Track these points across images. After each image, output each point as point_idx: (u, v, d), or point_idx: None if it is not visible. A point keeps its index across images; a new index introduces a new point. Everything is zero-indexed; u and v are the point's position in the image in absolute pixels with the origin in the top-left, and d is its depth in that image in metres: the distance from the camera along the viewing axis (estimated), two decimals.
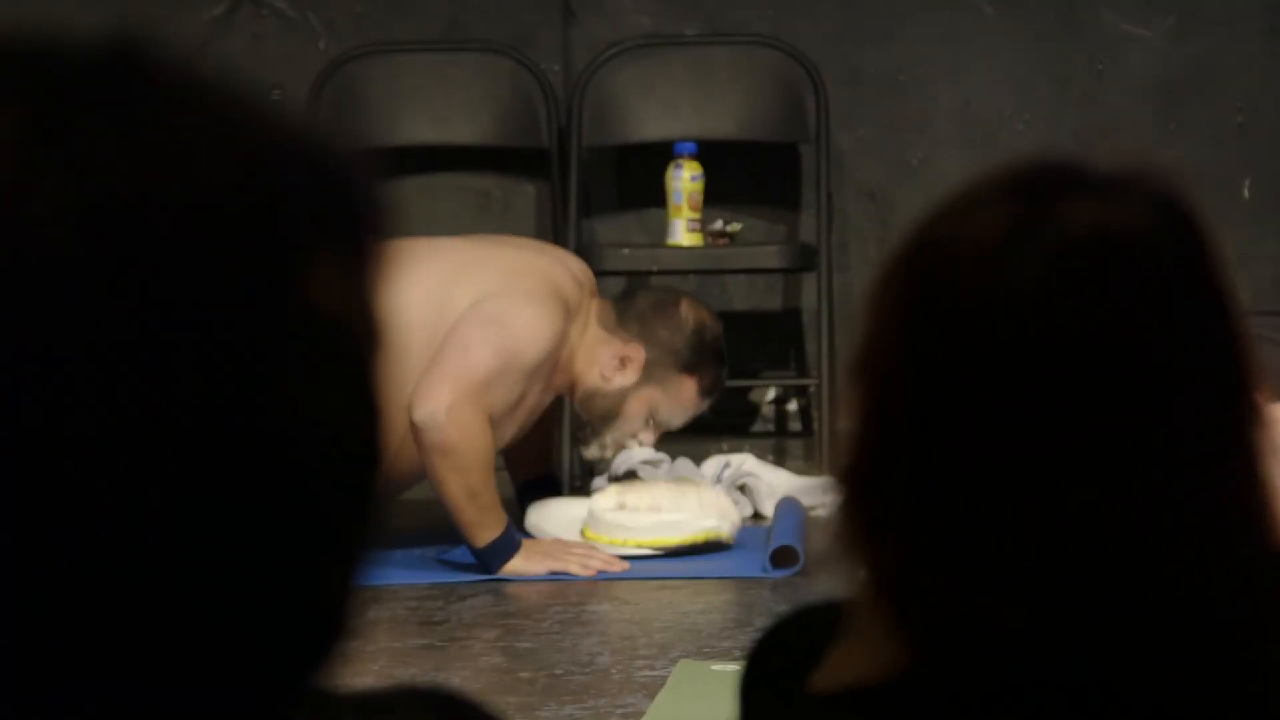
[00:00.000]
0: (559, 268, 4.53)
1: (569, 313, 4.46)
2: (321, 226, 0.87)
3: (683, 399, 4.60)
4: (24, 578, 0.81)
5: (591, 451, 4.69)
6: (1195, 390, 1.25)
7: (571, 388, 4.56)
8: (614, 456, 4.73)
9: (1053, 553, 1.18)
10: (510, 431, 4.50)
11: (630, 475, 4.74)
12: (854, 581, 1.26)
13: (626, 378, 4.47)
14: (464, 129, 5.60)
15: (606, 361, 4.46)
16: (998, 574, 1.19)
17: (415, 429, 4.20)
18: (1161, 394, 1.22)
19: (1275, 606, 1.26)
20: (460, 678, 3.47)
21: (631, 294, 4.79)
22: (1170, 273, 1.22)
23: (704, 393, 4.61)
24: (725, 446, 5.29)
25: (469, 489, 4.25)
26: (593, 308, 4.55)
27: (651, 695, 3.34)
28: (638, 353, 4.46)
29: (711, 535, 4.34)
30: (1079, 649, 1.19)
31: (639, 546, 4.36)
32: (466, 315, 4.33)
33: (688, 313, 4.58)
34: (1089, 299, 1.20)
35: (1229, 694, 1.23)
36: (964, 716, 1.19)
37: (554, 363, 4.47)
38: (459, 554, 4.33)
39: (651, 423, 4.59)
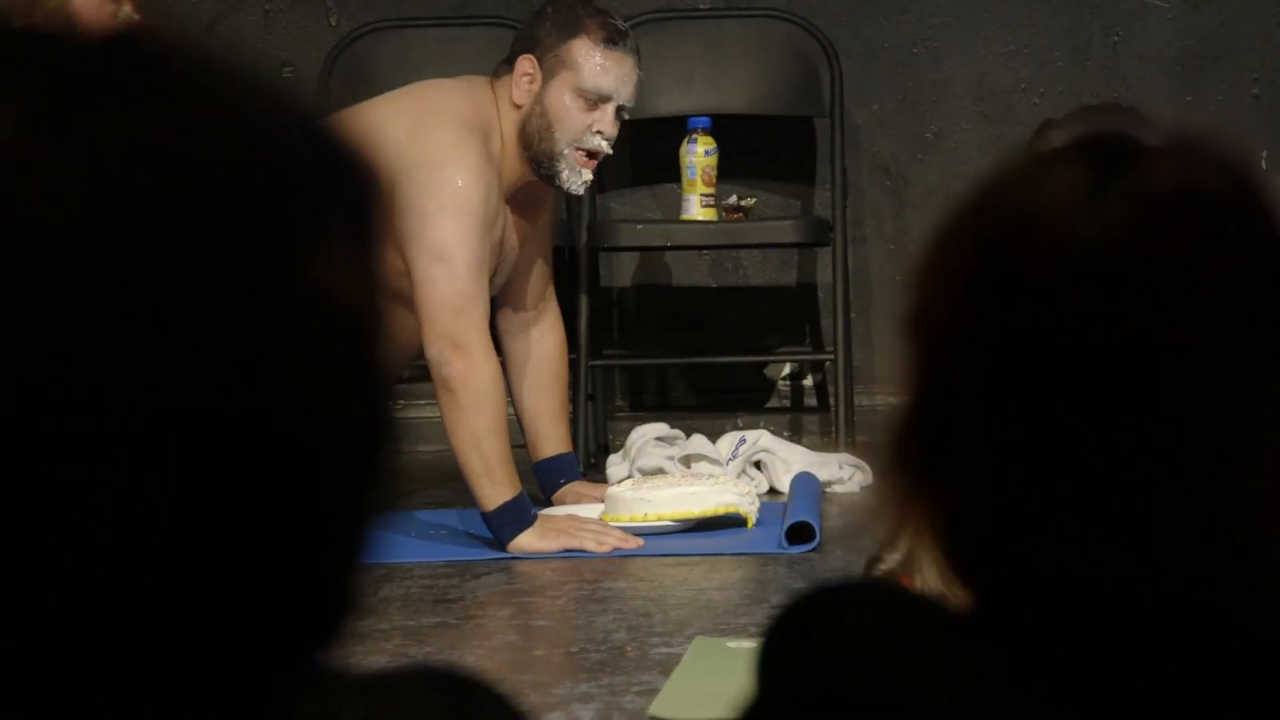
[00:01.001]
0: (456, 102, 4.53)
1: (485, 126, 4.48)
2: (327, 210, 0.87)
3: (589, 59, 4.53)
4: (35, 548, 0.81)
5: (568, 180, 4.58)
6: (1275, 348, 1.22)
7: (523, 152, 4.53)
8: (587, 179, 4.60)
9: (1135, 502, 1.17)
10: (510, 259, 4.58)
11: (658, 471, 4.74)
12: (908, 541, 1.32)
13: (534, 85, 4.45)
14: None
15: (514, 93, 4.47)
16: (1077, 524, 1.17)
17: (429, 364, 4.26)
18: (1246, 350, 1.20)
19: None
20: (475, 656, 3.50)
21: (512, 50, 4.70)
22: (1251, 230, 1.21)
23: (606, 40, 4.55)
24: (740, 422, 5.29)
25: (471, 435, 4.29)
26: (495, 91, 4.52)
27: (667, 672, 3.34)
28: (526, 62, 4.46)
29: (731, 510, 4.35)
30: (1153, 599, 1.17)
31: (659, 519, 4.37)
32: (411, 197, 4.36)
33: (546, 7, 4.58)
34: (1176, 251, 1.19)
35: None
36: (1037, 656, 1.18)
37: (506, 172, 4.48)
38: (473, 525, 4.32)
39: (584, 102, 4.51)
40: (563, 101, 4.37)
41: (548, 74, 4.36)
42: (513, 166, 4.41)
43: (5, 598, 0.83)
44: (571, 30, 4.40)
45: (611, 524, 4.29)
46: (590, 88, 4.35)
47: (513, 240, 4.54)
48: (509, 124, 4.42)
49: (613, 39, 4.43)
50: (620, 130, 4.53)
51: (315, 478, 0.88)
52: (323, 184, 0.89)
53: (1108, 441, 1.16)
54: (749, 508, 4.35)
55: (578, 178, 4.44)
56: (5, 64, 0.84)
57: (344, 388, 0.89)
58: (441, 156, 4.29)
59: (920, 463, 1.22)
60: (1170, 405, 1.17)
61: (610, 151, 4.49)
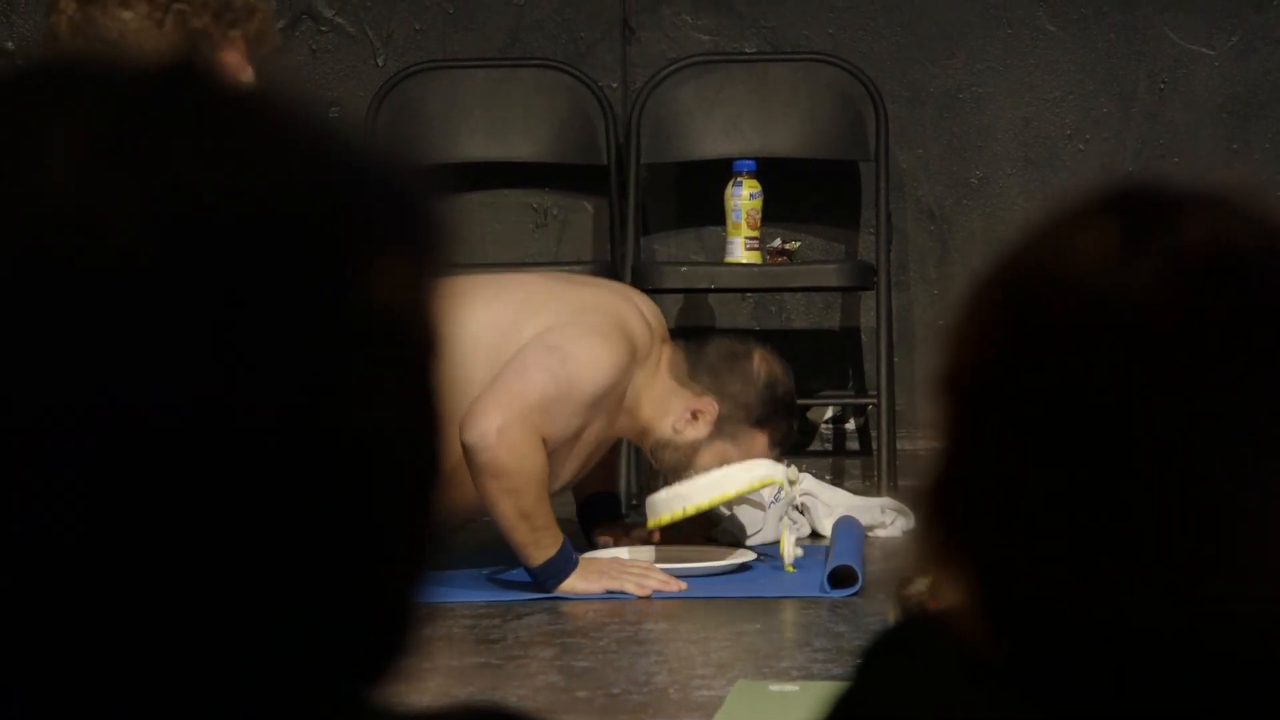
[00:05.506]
0: (629, 307, 4.54)
1: (635, 352, 4.47)
2: (379, 233, 0.87)
3: (754, 452, 4.58)
4: (91, 569, 0.82)
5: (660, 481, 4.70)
6: None
7: (641, 435, 4.58)
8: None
9: (1166, 559, 1.15)
10: (571, 469, 4.52)
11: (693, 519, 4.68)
12: (942, 592, 1.28)
13: (698, 431, 4.46)
14: (522, 145, 5.64)
15: (679, 414, 4.46)
16: (1107, 580, 1.15)
17: (466, 451, 4.20)
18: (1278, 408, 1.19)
19: None
20: (517, 696, 3.47)
21: (703, 343, 4.76)
22: None
23: (774, 445, 4.61)
24: (794, 469, 5.10)
25: (520, 510, 4.26)
26: (664, 353, 4.55)
27: (709, 715, 3.32)
28: (710, 406, 4.46)
29: (767, 480, 4.41)
30: (1182, 653, 1.16)
31: (698, 508, 4.41)
32: (529, 343, 4.34)
33: (760, 366, 4.59)
34: (1209, 305, 1.17)
35: None
36: (1068, 707, 1.17)
37: (617, 401, 4.48)
38: (516, 574, 4.33)
39: (715, 465, 4.55)
40: (712, 463, 4.44)
41: (717, 430, 4.43)
42: (623, 407, 4.47)
43: (63, 610, 0.82)
44: (762, 419, 4.51)
45: (655, 567, 4.31)
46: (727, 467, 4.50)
47: (590, 440, 4.54)
48: (649, 407, 4.50)
49: (782, 444, 4.58)
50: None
51: (371, 492, 0.87)
52: (376, 206, 0.89)
53: (1137, 499, 1.15)
54: (782, 475, 4.44)
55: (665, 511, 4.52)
56: (71, 91, 0.85)
57: (397, 405, 0.88)
58: (590, 333, 4.37)
59: (954, 516, 1.20)
60: (1200, 463, 1.16)
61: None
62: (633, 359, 4.46)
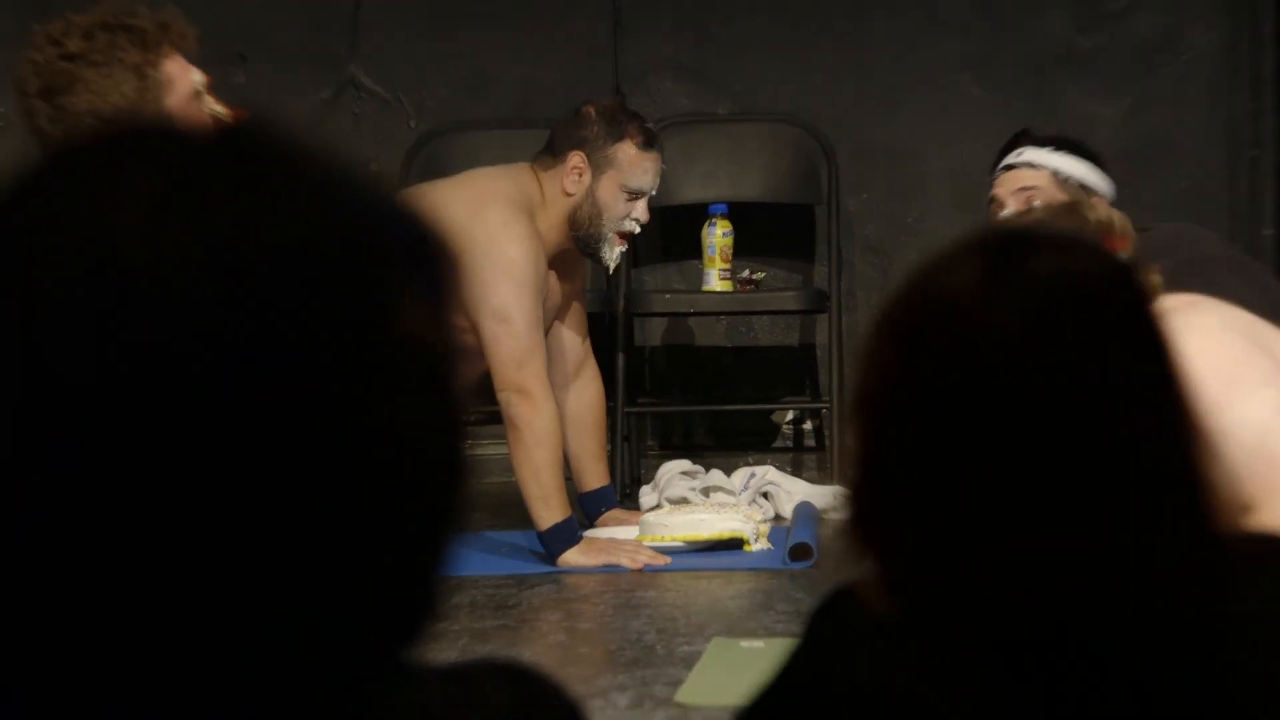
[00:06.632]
0: (509, 204, 4.68)
1: (527, 203, 4.66)
2: (404, 273, 0.90)
3: (633, 160, 4.72)
4: (172, 571, 0.85)
5: (606, 254, 4.79)
6: (1146, 404, 1.29)
7: (571, 231, 4.70)
8: (620, 255, 4.77)
9: (1035, 548, 1.24)
10: (552, 317, 4.77)
11: (682, 500, 4.97)
12: (863, 573, 1.33)
13: (584, 178, 4.62)
14: None
15: (564, 184, 4.62)
16: (989, 565, 1.25)
17: (501, 408, 4.45)
18: (1122, 408, 1.27)
19: (1217, 579, 1.32)
20: (530, 653, 3.58)
21: (550, 141, 4.88)
22: (1122, 308, 1.29)
23: (644, 144, 4.73)
24: (751, 460, 5.53)
25: (531, 466, 4.46)
26: (540, 177, 4.71)
27: (689, 667, 3.46)
28: (575, 157, 4.62)
29: (734, 535, 4.55)
30: (1052, 619, 1.26)
31: (674, 540, 4.55)
32: (481, 320, 4.51)
33: (586, 108, 4.75)
34: (1060, 330, 1.26)
35: (1186, 651, 1.28)
36: (948, 651, 1.28)
37: (550, 252, 4.66)
38: (530, 542, 4.52)
39: (626, 195, 4.73)
40: (612, 192, 4.62)
41: (596, 170, 4.61)
42: (552, 239, 4.62)
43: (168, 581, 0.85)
44: (616, 134, 4.64)
45: (644, 543, 4.51)
46: (634, 186, 4.60)
47: (555, 298, 4.74)
48: (556, 206, 4.64)
49: (650, 142, 4.69)
50: (652, 215, 4.79)
51: (407, 503, 0.91)
52: (403, 251, 0.91)
53: (1008, 492, 1.24)
54: (750, 532, 4.56)
55: (613, 253, 4.68)
56: (140, 155, 0.88)
57: (426, 421, 0.91)
58: (496, 233, 4.50)
59: (866, 511, 1.29)
60: (1054, 454, 1.24)
61: (636, 230, 4.72)
62: (531, 217, 4.64)
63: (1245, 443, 3.36)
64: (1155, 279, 3.29)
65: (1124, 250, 3.48)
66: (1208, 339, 3.45)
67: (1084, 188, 4.48)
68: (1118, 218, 3.61)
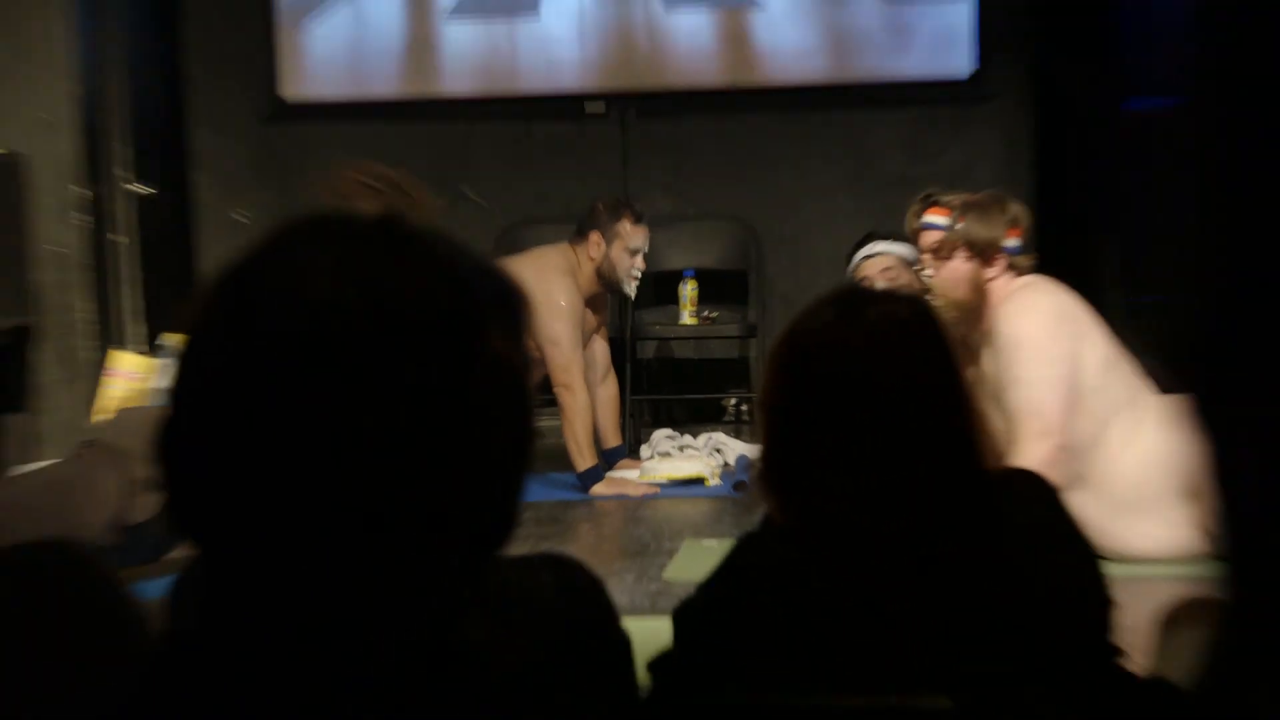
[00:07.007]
0: (558, 268, 5.16)
1: (571, 267, 5.20)
2: (498, 312, 1.06)
3: (629, 231, 5.29)
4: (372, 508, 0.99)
5: (626, 289, 5.31)
6: (938, 393, 1.49)
7: (600, 280, 5.22)
8: (633, 288, 5.17)
9: (867, 482, 1.44)
10: (587, 339, 5.23)
11: (666, 454, 5.60)
12: (769, 501, 1.50)
13: (601, 247, 5.24)
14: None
15: (590, 253, 5.19)
16: (838, 493, 1.46)
17: (556, 395, 5.06)
18: (923, 396, 1.43)
19: (981, 493, 1.53)
20: (571, 548, 3.89)
21: (578, 227, 5.30)
22: (925, 336, 1.52)
23: (635, 220, 5.29)
24: (709, 429, 6.17)
25: (570, 428, 5.11)
26: (575, 250, 5.25)
27: (671, 557, 3.95)
28: (594, 235, 5.25)
29: (698, 475, 5.25)
30: (877, 522, 1.45)
31: (662, 478, 5.20)
32: (541, 342, 4.98)
33: (596, 203, 5.33)
34: (885, 350, 1.45)
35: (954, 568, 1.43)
36: (816, 547, 1.46)
37: (585, 296, 5.19)
38: (571, 480, 5.13)
39: (629, 253, 5.28)
40: (619, 255, 5.26)
41: (608, 241, 5.25)
42: (586, 288, 5.25)
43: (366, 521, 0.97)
44: (617, 217, 5.29)
45: (643, 481, 5.21)
46: (633, 247, 5.28)
47: (588, 327, 5.35)
48: (585, 267, 5.26)
49: (639, 219, 5.31)
50: (647, 276, 5.40)
51: (497, 457, 1.06)
52: (494, 299, 1.06)
53: (851, 450, 1.46)
54: (708, 473, 5.22)
55: (630, 288, 5.32)
56: (327, 232, 1.02)
57: (512, 404, 1.06)
58: (550, 288, 5.14)
59: (766, 465, 1.54)
60: (882, 432, 1.44)
61: (639, 276, 5.29)
62: (571, 274, 5.17)
63: (1049, 394, 3.65)
64: (1026, 262, 3.79)
65: (1019, 238, 3.96)
66: (1035, 312, 3.75)
67: (912, 263, 4.86)
68: (1022, 213, 3.92)
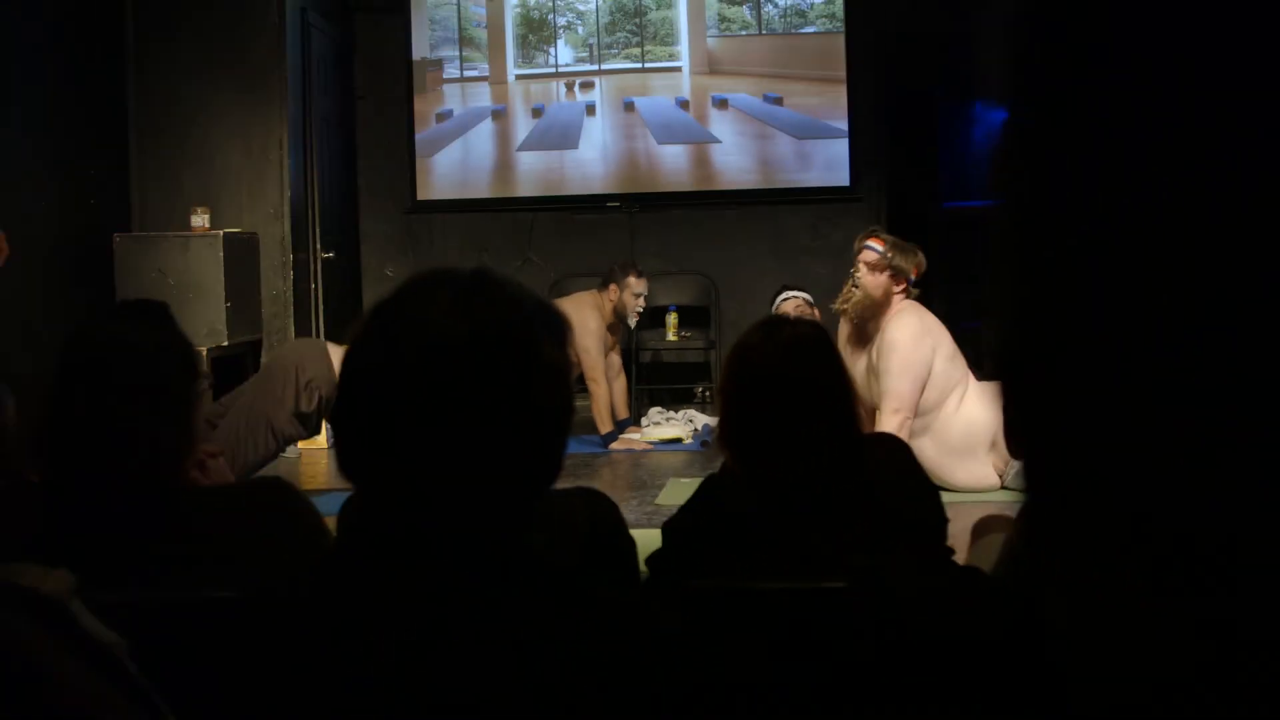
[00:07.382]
0: (589, 305, 6.72)
1: (598, 305, 6.82)
2: (550, 333, 1.29)
3: (634, 283, 6.90)
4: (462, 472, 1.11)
5: (631, 321, 6.85)
6: (829, 389, 1.82)
7: (615, 314, 6.72)
8: (635, 322, 6.50)
9: (786, 443, 1.70)
10: (608, 351, 6.75)
11: (657, 424, 7.38)
12: (725, 455, 1.75)
13: (616, 295, 6.79)
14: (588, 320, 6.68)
15: (609, 298, 6.67)
16: (766, 449, 1.71)
17: (585, 383, 6.67)
18: (817, 393, 1.72)
19: (856, 452, 1.87)
20: (595, 484, 4.59)
21: (602, 280, 6.68)
22: (819, 346, 1.84)
23: (638, 276, 6.88)
24: (686, 407, 8.00)
25: (596, 407, 6.97)
26: (600, 295, 6.80)
27: (661, 489, 5.21)
28: (612, 287, 6.85)
29: (678, 436, 7.10)
30: (793, 470, 1.75)
31: (655, 439, 6.95)
32: (581, 353, 6.51)
33: (612, 267, 6.89)
34: (795, 357, 1.72)
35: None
36: (760, 488, 1.70)
37: (606, 324, 6.77)
38: (598, 440, 6.88)
39: (635, 297, 6.93)
40: (629, 299, 7.06)
41: (620, 290, 7.04)
42: (607, 318, 7.12)
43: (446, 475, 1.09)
44: (625, 274, 7.14)
45: (643, 440, 7.00)
46: (638, 293, 7.09)
47: (608, 344, 7.12)
48: (607, 307, 7.13)
49: (641, 275, 7.14)
50: (648, 312, 7.00)
51: (549, 421, 1.30)
52: (548, 324, 1.29)
53: (770, 420, 1.85)
54: (686, 435, 7.04)
55: (633, 321, 7.11)
56: (447, 277, 1.19)
57: (559, 392, 1.31)
58: (584, 319, 6.90)
59: (724, 432, 1.93)
60: (794, 408, 1.81)
61: (641, 312, 7.09)
62: (598, 308, 6.78)
63: (910, 387, 4.65)
64: (912, 290, 4.80)
65: (917, 275, 5.02)
66: (909, 329, 4.77)
67: (812, 304, 6.40)
68: (922, 262, 4.89)
